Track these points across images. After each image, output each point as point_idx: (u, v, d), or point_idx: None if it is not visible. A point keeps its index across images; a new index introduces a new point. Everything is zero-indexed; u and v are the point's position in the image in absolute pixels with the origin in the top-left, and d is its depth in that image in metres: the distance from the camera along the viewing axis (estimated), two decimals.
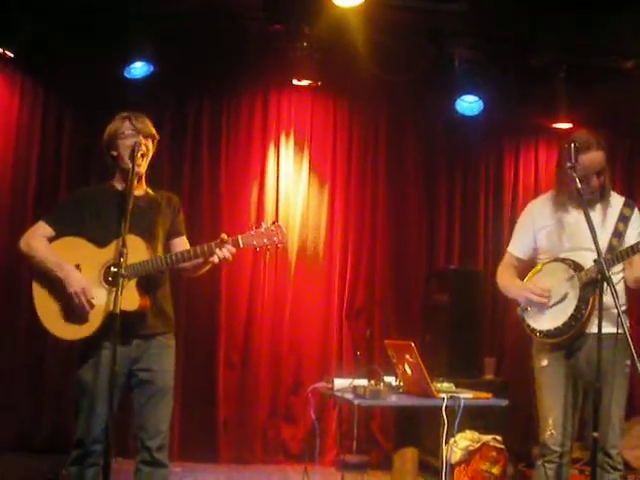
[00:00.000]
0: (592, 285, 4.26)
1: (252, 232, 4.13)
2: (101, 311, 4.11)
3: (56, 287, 4.17)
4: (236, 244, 4.11)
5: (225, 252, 4.09)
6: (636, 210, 4.58)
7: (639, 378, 3.83)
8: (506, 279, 4.78)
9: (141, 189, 4.44)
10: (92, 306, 4.10)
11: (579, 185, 4.25)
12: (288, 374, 7.98)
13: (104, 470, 3.79)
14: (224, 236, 4.10)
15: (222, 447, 7.70)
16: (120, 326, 3.81)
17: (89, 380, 4.14)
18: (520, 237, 4.79)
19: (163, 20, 6.84)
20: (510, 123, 8.67)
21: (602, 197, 4.52)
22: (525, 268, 4.75)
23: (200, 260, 4.23)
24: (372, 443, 7.95)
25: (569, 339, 4.38)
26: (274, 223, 4.16)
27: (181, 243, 4.47)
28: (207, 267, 4.37)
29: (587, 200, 4.32)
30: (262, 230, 4.12)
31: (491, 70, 7.53)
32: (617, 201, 4.60)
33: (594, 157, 4.42)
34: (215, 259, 4.13)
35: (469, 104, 7.80)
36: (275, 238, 4.12)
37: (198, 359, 7.76)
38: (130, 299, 4.05)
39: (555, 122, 8.01)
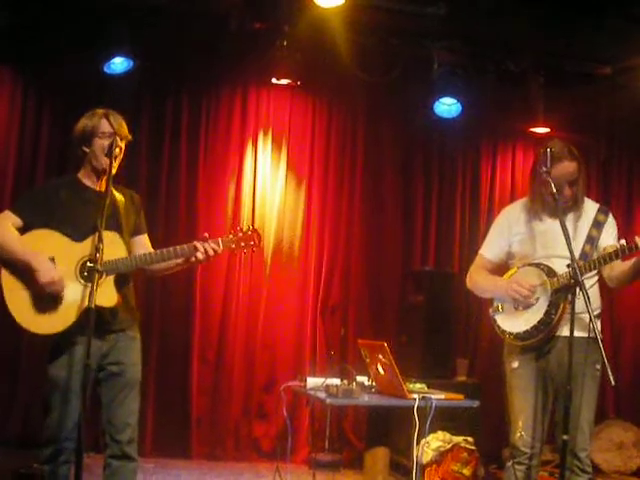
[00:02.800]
0: (564, 290, 4.28)
1: (231, 236, 4.25)
2: (77, 306, 4.06)
3: (27, 278, 4.09)
4: (216, 244, 4.20)
5: (207, 247, 4.16)
6: (610, 216, 4.59)
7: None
8: (484, 278, 4.74)
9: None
10: (62, 300, 4.07)
11: (554, 190, 4.27)
12: (262, 372, 7.98)
13: (76, 466, 3.75)
14: (207, 235, 4.21)
15: (194, 444, 7.69)
16: (96, 322, 3.80)
17: (61, 376, 4.10)
18: (495, 240, 4.77)
19: (144, 16, 6.82)
20: (488, 126, 8.74)
21: (575, 206, 4.54)
22: (495, 271, 4.75)
23: (179, 260, 4.26)
24: (344, 442, 7.96)
25: (538, 342, 4.41)
26: (251, 228, 4.30)
27: (144, 241, 4.48)
28: (178, 268, 4.41)
29: (561, 207, 4.35)
30: (240, 234, 4.26)
31: (470, 73, 7.56)
32: (591, 207, 4.61)
33: (566, 168, 4.43)
34: (200, 255, 4.18)
35: (447, 106, 7.81)
36: (252, 242, 4.27)
37: (172, 356, 7.76)
38: (109, 295, 4.06)
39: (532, 126, 8.09)
